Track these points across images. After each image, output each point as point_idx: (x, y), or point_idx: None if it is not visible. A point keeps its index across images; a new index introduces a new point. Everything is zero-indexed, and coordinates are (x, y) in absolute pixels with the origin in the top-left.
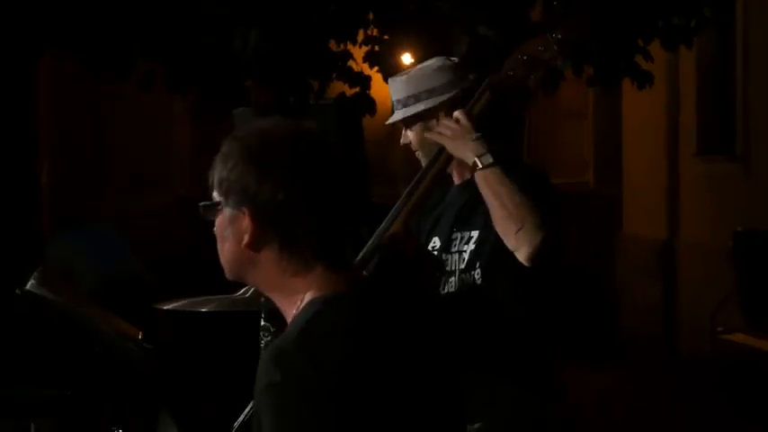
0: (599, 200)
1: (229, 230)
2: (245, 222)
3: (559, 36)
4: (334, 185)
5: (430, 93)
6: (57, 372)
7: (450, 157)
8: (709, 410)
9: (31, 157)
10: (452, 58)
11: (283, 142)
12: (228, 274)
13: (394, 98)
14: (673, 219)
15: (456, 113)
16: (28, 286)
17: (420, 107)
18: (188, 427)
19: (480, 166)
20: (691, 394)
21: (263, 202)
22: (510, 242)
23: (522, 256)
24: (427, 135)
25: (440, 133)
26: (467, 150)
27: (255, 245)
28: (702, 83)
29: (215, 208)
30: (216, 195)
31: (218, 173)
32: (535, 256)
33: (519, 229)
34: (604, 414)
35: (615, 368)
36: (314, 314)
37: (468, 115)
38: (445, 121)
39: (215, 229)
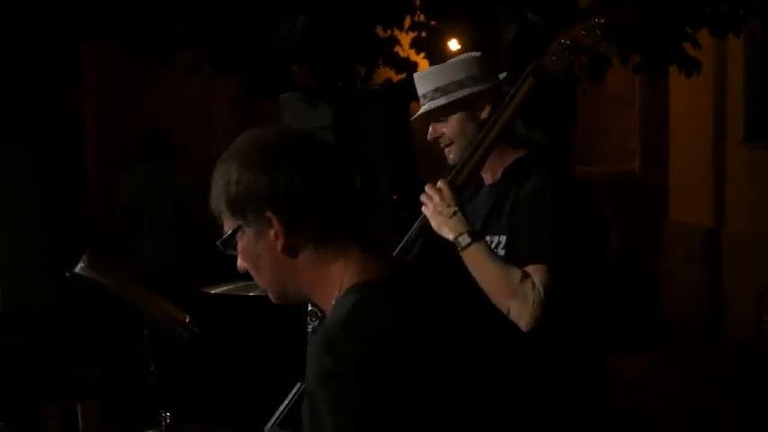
0: (644, 188)
1: (260, 246)
2: (274, 226)
3: (603, 21)
4: (335, 170)
5: (459, 84)
6: (104, 354)
7: (489, 150)
8: (752, 399)
9: (76, 141)
10: (480, 54)
11: (276, 137)
12: (275, 297)
13: (421, 92)
14: (718, 207)
15: (439, 183)
16: (77, 269)
17: (452, 98)
18: (233, 411)
19: (460, 247)
20: (734, 383)
21: (282, 195)
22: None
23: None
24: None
25: (423, 203)
26: (445, 228)
27: (290, 246)
28: (750, 70)
29: (235, 236)
30: (231, 222)
31: (224, 198)
32: (532, 328)
33: (509, 312)
34: (647, 401)
35: (659, 356)
36: (358, 299)
37: (452, 185)
38: (428, 191)
39: (242, 260)
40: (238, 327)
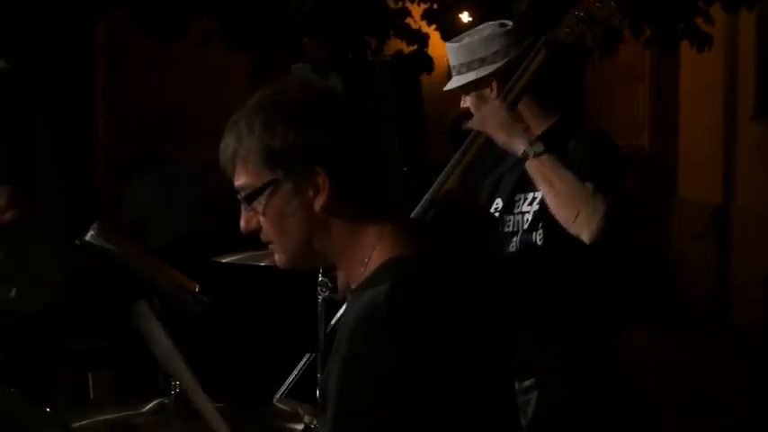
0: (654, 163)
1: (295, 203)
2: (320, 181)
3: None
4: (370, 133)
5: (481, 62)
6: (114, 323)
7: None
8: (759, 376)
9: (87, 113)
10: (507, 23)
11: (320, 92)
12: (289, 260)
13: (451, 64)
14: (728, 183)
15: (497, 101)
16: (87, 237)
17: (471, 76)
18: (242, 381)
19: (532, 154)
20: (742, 359)
21: (332, 150)
22: (569, 228)
23: (583, 239)
24: (470, 125)
25: (482, 120)
26: (517, 137)
27: (330, 205)
28: (762, 47)
29: (266, 189)
30: (261, 176)
31: (262, 149)
32: (595, 240)
33: (575, 218)
34: (656, 377)
35: (668, 332)
36: (397, 279)
37: (505, 101)
38: (488, 110)
39: (266, 217)
40: (248, 297)
